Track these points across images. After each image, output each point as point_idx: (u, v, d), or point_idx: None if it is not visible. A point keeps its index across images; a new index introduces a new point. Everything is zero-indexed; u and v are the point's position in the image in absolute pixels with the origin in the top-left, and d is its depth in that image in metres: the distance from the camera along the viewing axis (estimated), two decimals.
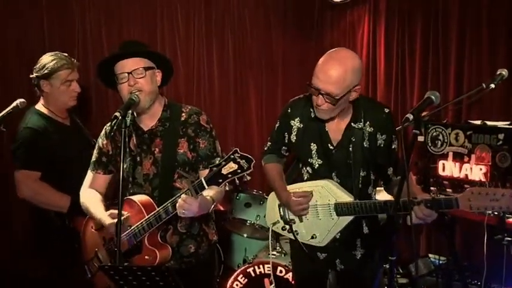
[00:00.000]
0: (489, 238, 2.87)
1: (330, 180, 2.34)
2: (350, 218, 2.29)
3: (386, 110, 2.31)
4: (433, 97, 1.93)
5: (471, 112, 3.53)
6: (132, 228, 2.24)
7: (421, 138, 3.23)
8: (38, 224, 2.93)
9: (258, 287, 3.27)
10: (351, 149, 2.28)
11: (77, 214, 2.63)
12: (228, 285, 3.32)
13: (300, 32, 4.22)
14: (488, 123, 3.08)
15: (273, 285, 2.93)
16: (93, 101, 4.14)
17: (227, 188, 2.21)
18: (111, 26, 4.14)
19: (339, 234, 2.35)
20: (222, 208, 3.79)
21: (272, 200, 2.57)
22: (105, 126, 2.44)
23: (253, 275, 3.28)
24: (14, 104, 2.72)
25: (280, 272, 3.19)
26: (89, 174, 2.48)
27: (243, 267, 3.32)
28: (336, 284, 2.55)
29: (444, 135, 3.16)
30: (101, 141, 2.44)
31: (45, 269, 3.05)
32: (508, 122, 3.05)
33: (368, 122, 2.28)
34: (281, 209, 2.50)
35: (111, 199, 2.54)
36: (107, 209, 2.35)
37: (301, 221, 2.42)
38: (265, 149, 2.60)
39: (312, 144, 2.36)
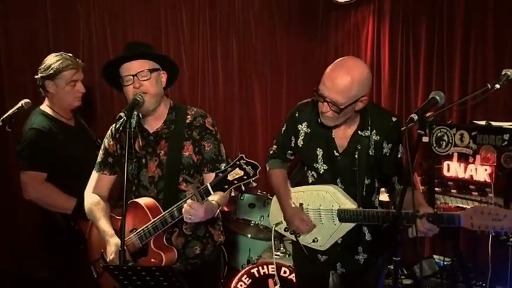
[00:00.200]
0: (494, 239, 2.86)
1: (335, 186, 2.33)
2: (352, 224, 2.29)
3: (394, 119, 2.29)
4: (437, 97, 1.92)
5: (476, 113, 3.52)
6: (138, 231, 2.24)
7: (425, 139, 3.19)
8: (44, 225, 2.93)
9: None
10: (356, 156, 2.27)
11: (82, 216, 2.61)
12: (232, 286, 3.32)
13: (305, 33, 4.21)
14: (493, 123, 3.06)
15: (278, 285, 2.93)
16: (97, 102, 4.16)
17: (233, 194, 2.20)
18: (116, 27, 4.16)
19: (341, 239, 2.34)
20: (226, 209, 3.78)
21: (276, 201, 2.56)
22: (111, 127, 2.43)
23: (257, 275, 3.28)
24: (19, 104, 2.74)
25: (284, 272, 3.18)
26: (94, 175, 2.47)
27: (247, 268, 3.32)
28: (340, 285, 2.54)
29: (449, 136, 3.14)
30: (107, 141, 2.43)
31: (49, 270, 3.06)
32: None
33: (375, 130, 2.26)
34: None
35: (116, 200, 2.53)
36: (112, 209, 2.36)
37: None
38: (271, 152, 2.58)
39: (318, 149, 2.35)
